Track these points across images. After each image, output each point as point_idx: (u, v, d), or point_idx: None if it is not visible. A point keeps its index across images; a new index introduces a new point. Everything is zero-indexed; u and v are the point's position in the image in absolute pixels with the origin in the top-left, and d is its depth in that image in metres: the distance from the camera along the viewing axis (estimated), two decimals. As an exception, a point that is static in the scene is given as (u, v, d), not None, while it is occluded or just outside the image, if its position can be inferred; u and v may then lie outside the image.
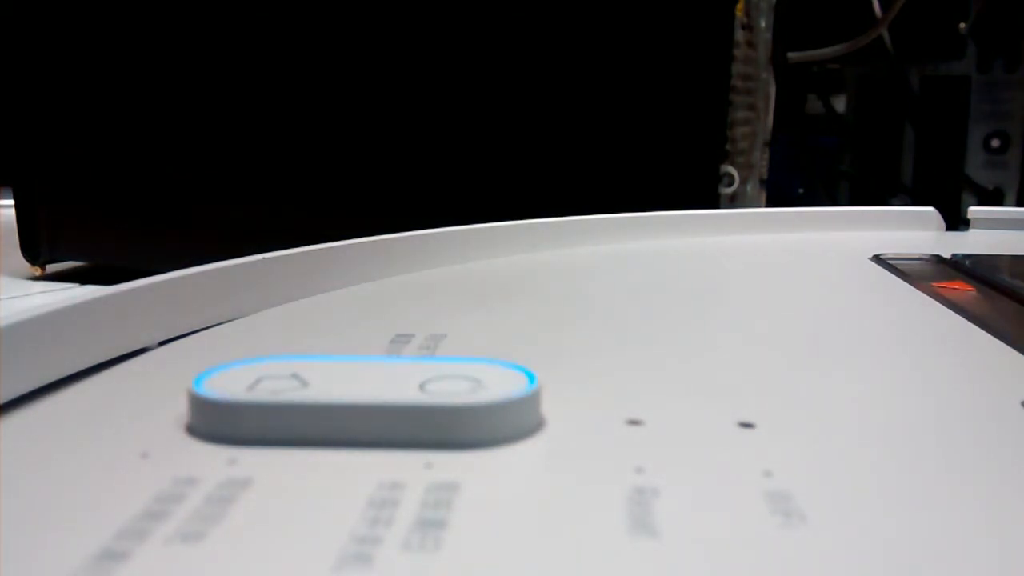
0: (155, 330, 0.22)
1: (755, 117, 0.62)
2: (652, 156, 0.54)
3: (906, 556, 0.11)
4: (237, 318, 0.24)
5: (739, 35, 0.55)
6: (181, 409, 0.15)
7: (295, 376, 0.15)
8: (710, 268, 0.32)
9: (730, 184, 0.54)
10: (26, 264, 0.63)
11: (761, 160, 0.65)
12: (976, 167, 0.84)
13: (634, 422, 0.15)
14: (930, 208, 0.44)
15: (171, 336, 0.22)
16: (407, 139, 0.57)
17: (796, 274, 0.31)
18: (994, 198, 0.83)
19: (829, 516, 0.12)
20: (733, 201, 0.56)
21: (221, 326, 0.23)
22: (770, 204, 0.68)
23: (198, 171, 0.60)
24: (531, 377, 0.15)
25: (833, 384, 0.18)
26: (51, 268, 0.64)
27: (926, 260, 0.34)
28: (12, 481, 0.13)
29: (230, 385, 0.15)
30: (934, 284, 0.29)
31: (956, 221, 0.46)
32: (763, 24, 0.61)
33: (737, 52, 0.54)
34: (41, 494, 0.12)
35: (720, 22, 0.53)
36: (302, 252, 0.27)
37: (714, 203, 0.54)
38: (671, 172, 0.54)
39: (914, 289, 0.28)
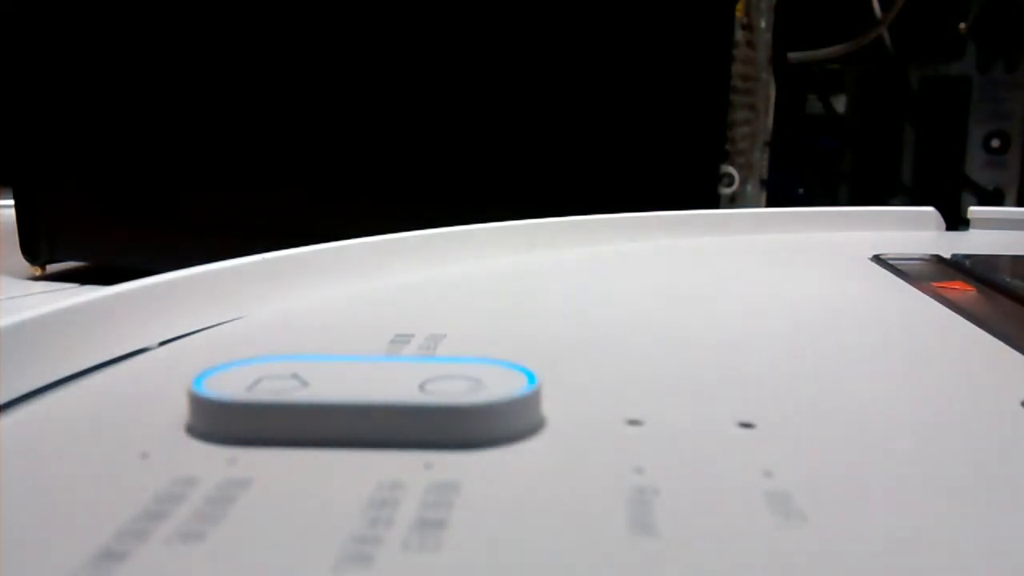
0: (155, 330, 0.22)
1: (755, 117, 0.61)
2: (652, 156, 0.54)
3: (906, 556, 0.11)
4: (237, 318, 0.24)
5: (739, 35, 0.55)
6: (181, 409, 0.15)
7: (295, 376, 0.15)
8: (710, 268, 0.32)
9: (730, 184, 0.54)
10: (26, 264, 0.63)
11: (761, 160, 0.65)
12: (976, 167, 0.84)
13: (634, 422, 0.15)
14: (930, 208, 0.44)
15: (171, 336, 0.22)
16: (408, 139, 0.57)
17: (796, 274, 0.31)
18: (994, 198, 0.83)
19: (829, 516, 0.12)
20: (733, 201, 0.56)
21: (221, 326, 0.23)
22: (770, 204, 0.68)
23: (198, 171, 0.60)
24: (531, 377, 0.15)
25: (833, 384, 0.18)
26: (51, 268, 0.64)
27: (926, 260, 0.34)
28: (12, 481, 0.13)
29: (230, 385, 0.15)
30: (934, 284, 0.29)
31: (956, 221, 0.46)
32: (763, 24, 0.61)
33: (737, 52, 0.54)
34: (41, 494, 0.12)
35: (720, 22, 0.53)
36: (302, 252, 0.27)
37: (714, 203, 0.54)
38: (671, 172, 0.54)
39: (914, 289, 0.28)
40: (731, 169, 0.54)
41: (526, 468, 0.13)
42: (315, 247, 0.28)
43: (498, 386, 0.15)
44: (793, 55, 0.69)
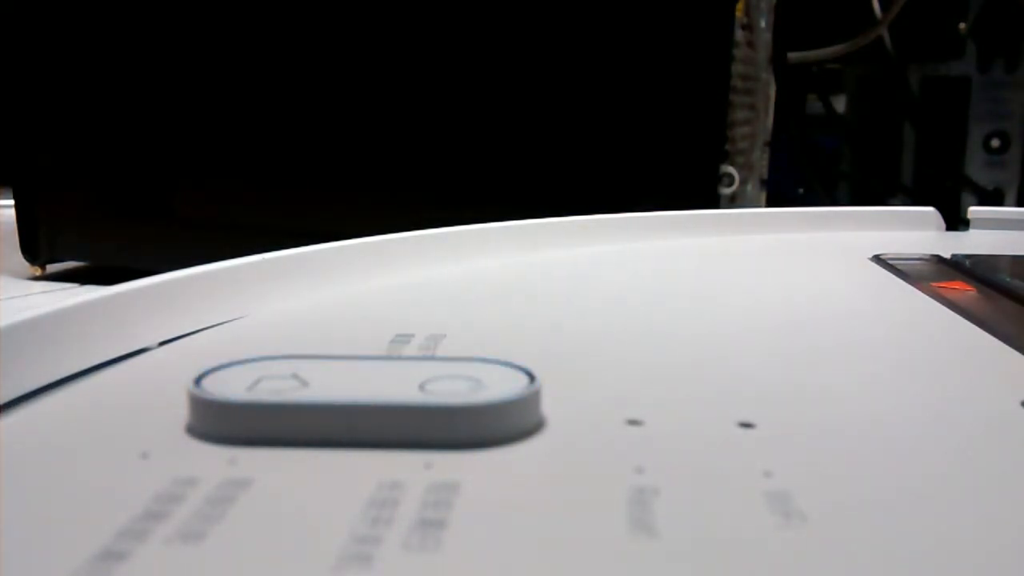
0: (155, 330, 0.22)
1: (755, 117, 0.62)
2: (652, 156, 0.54)
3: (906, 556, 0.11)
4: (237, 318, 0.24)
5: (739, 35, 0.55)
6: (181, 409, 0.15)
7: (295, 376, 0.15)
8: (710, 268, 0.32)
9: (730, 184, 0.54)
10: (26, 264, 0.63)
11: (761, 160, 0.65)
12: (976, 167, 0.84)
13: (634, 422, 0.15)
14: (930, 208, 0.44)
15: (171, 336, 0.22)
16: (408, 139, 0.57)
17: (796, 274, 0.31)
18: (994, 198, 0.83)
19: (829, 516, 0.12)
20: (733, 201, 0.56)
21: (221, 326, 0.23)
22: (770, 204, 0.68)
23: (198, 172, 0.60)
24: (531, 377, 0.15)
25: (833, 384, 0.18)
26: (51, 268, 0.64)
27: (926, 260, 0.34)
28: (12, 481, 0.13)
29: (230, 385, 0.15)
30: (934, 284, 0.29)
31: (956, 221, 0.46)
32: (763, 24, 0.61)
33: (737, 52, 0.54)
34: (41, 494, 0.12)
35: (720, 22, 0.53)
36: (302, 252, 0.27)
37: (714, 203, 0.54)
38: (671, 172, 0.54)
39: (914, 289, 0.28)
40: (731, 169, 0.54)
41: (526, 468, 0.13)
42: (315, 247, 0.28)
43: (498, 386, 0.15)
44: (793, 55, 0.69)
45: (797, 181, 0.88)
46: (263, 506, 0.12)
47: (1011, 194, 0.84)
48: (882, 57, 0.82)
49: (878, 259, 0.34)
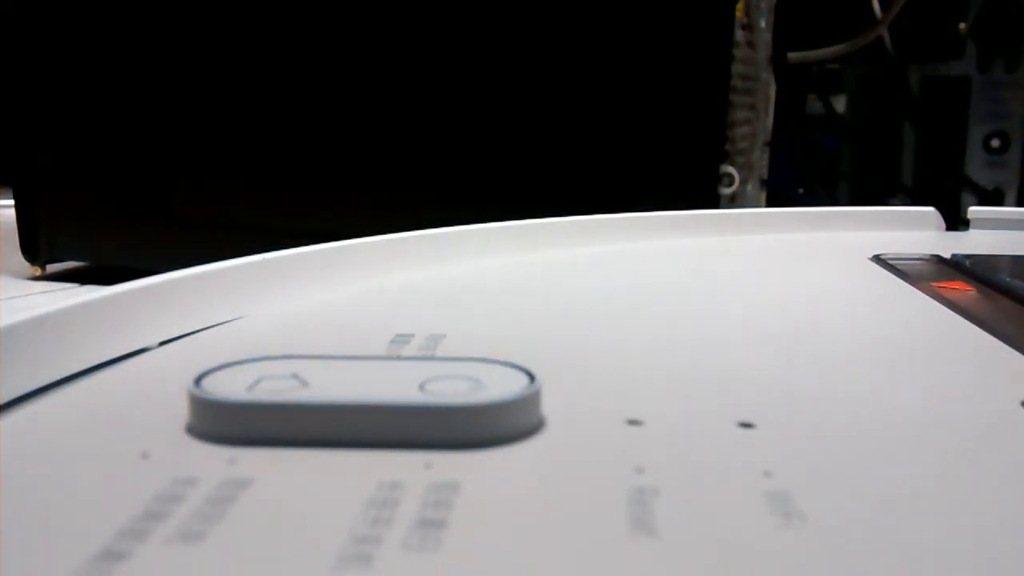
0: (155, 330, 0.22)
1: (755, 117, 0.62)
2: (652, 156, 0.54)
3: (906, 556, 0.11)
4: (237, 318, 0.24)
5: (739, 35, 0.55)
6: (181, 409, 0.15)
7: (295, 376, 0.15)
8: (710, 268, 0.32)
9: (730, 184, 0.54)
10: (26, 264, 0.63)
11: (761, 160, 0.65)
12: (976, 167, 0.84)
13: (634, 422, 0.15)
14: (930, 208, 0.44)
15: (171, 336, 0.22)
16: (408, 139, 0.57)
17: (796, 274, 0.31)
18: (994, 198, 0.83)
19: (829, 516, 0.12)
20: (733, 201, 0.56)
21: (221, 326, 0.23)
22: (770, 204, 0.68)
23: (198, 172, 0.60)
24: (531, 377, 0.15)
25: (833, 384, 0.18)
26: (51, 268, 0.64)
27: (926, 260, 0.34)
28: (12, 481, 0.13)
29: (230, 385, 0.15)
30: (934, 284, 0.29)
31: (956, 221, 0.46)
32: (763, 24, 0.61)
33: (737, 52, 0.54)
34: (41, 494, 0.12)
35: (720, 22, 0.53)
36: (302, 252, 0.27)
37: (714, 203, 0.54)
38: (671, 172, 0.54)
39: (914, 289, 0.28)
40: (731, 169, 0.54)
41: (526, 468, 0.13)
42: (315, 247, 0.28)
43: (498, 386, 0.15)
44: (793, 55, 0.69)
45: (797, 181, 0.88)
46: (263, 506, 0.12)
47: (1011, 194, 0.84)
48: (882, 57, 0.82)
49: (878, 259, 0.34)
